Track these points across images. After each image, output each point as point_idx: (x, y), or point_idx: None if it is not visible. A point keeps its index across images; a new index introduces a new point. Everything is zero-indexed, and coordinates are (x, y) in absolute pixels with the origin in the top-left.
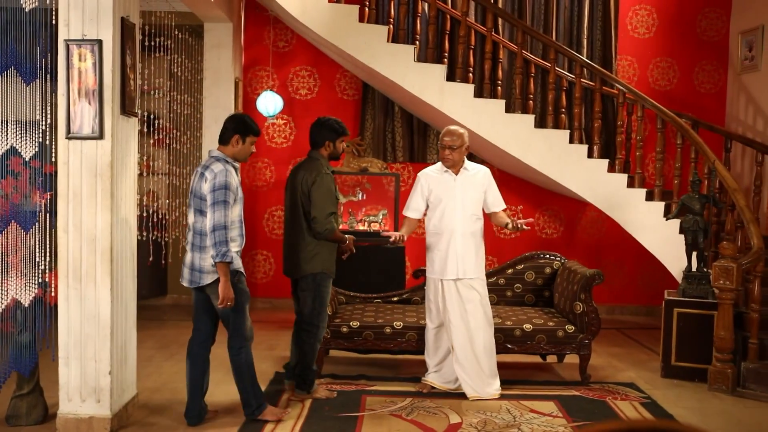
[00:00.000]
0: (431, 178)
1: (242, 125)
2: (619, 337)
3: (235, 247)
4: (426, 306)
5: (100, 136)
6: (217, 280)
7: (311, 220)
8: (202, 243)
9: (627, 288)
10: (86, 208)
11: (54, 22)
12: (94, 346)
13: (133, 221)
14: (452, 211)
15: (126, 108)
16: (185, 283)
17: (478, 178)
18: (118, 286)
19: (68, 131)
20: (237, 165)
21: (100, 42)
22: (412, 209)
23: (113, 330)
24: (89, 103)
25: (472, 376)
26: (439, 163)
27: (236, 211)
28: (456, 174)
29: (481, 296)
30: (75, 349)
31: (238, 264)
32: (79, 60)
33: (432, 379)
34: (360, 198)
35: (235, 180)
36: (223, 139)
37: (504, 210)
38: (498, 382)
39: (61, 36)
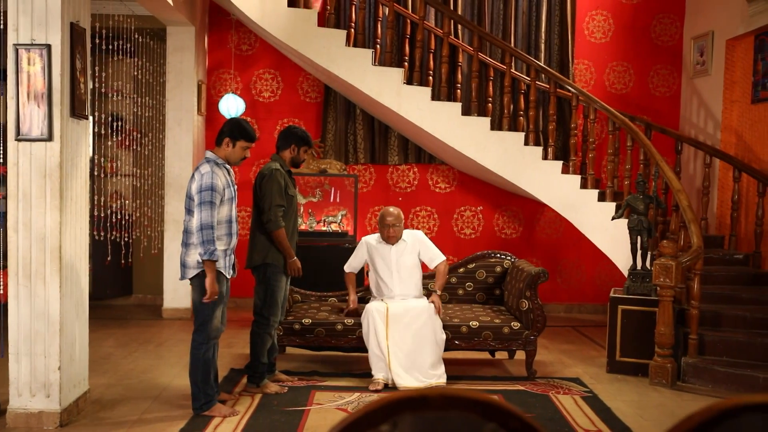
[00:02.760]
0: (372, 246)
1: (236, 130)
2: (572, 335)
3: (221, 246)
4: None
5: (50, 138)
6: (197, 275)
7: (261, 212)
8: (188, 240)
9: (585, 287)
10: (35, 208)
11: (3, 26)
12: (44, 342)
13: (85, 221)
14: (389, 278)
15: (76, 111)
16: (179, 277)
17: (409, 244)
18: (69, 284)
19: (17, 133)
20: (228, 166)
21: (48, 46)
22: (351, 266)
23: (62, 326)
24: (38, 106)
25: (409, 368)
26: (378, 235)
27: (224, 211)
28: (393, 245)
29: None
30: (24, 345)
31: (219, 264)
32: (28, 64)
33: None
34: (325, 200)
35: (221, 181)
36: (217, 141)
37: (444, 262)
38: (442, 370)
39: (10, 40)
